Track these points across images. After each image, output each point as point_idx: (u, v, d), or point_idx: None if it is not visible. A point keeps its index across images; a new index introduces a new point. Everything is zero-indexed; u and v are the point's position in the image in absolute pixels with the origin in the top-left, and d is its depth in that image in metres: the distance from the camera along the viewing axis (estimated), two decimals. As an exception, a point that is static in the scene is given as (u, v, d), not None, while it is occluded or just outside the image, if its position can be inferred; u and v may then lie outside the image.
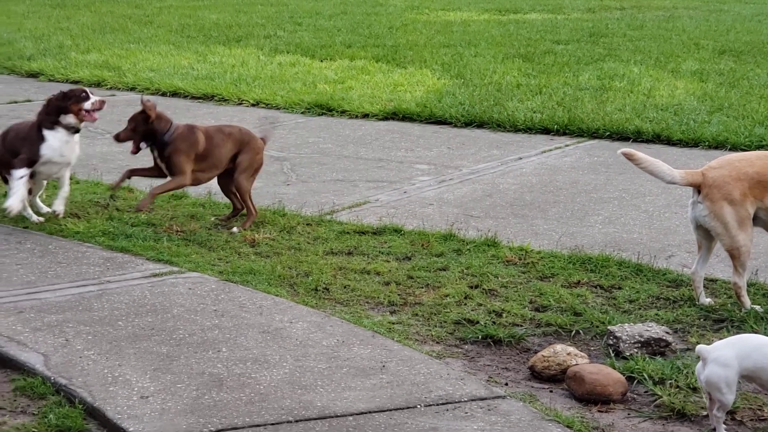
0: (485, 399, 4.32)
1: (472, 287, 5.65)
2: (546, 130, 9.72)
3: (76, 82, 12.49)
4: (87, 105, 6.58)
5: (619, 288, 5.68)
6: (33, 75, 13.09)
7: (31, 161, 6.43)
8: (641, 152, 5.45)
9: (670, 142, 9.19)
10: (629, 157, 5.38)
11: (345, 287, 5.64)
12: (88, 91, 6.71)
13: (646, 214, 7.13)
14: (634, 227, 6.83)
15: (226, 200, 7.21)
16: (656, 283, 5.73)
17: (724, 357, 4.05)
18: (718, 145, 8.97)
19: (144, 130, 6.63)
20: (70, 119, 6.56)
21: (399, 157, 8.83)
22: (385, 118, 10.45)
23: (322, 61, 13.83)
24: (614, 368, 4.59)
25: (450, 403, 4.26)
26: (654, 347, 4.83)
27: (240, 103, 11.31)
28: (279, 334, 4.88)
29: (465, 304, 5.42)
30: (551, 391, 4.54)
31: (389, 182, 7.97)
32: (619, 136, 9.43)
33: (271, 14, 19.41)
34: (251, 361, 4.57)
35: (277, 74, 12.71)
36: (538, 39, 15.71)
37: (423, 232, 6.58)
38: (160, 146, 6.65)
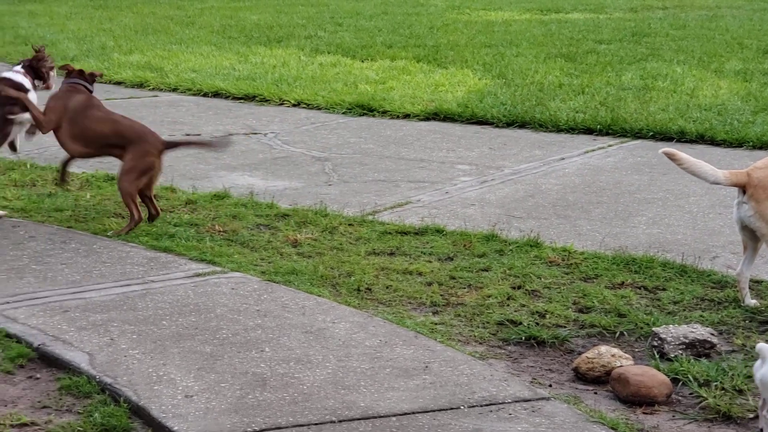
0: (529, 400, 4.30)
1: (514, 288, 5.63)
2: (589, 130, 9.67)
3: (119, 83, 12.61)
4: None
5: (664, 289, 5.63)
6: (77, 76, 13.19)
7: None
8: (684, 152, 5.40)
9: (713, 142, 9.11)
10: (671, 157, 5.34)
11: (387, 287, 5.63)
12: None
13: (690, 214, 7.07)
14: (678, 228, 6.77)
15: (268, 200, 7.24)
16: (701, 284, 5.68)
17: None
18: (763, 145, 8.89)
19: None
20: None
21: (440, 158, 8.81)
22: (426, 119, 10.44)
23: (363, 61, 13.84)
24: (659, 370, 4.56)
25: (494, 404, 4.24)
26: (699, 349, 4.79)
27: (281, 104, 11.34)
28: (322, 335, 4.88)
29: (508, 305, 5.40)
30: (595, 393, 4.51)
31: (431, 182, 7.96)
32: (663, 136, 9.36)
33: (311, 15, 19.46)
34: (294, 361, 4.58)
35: (318, 75, 12.74)
36: (580, 38, 15.64)
37: (465, 232, 6.57)
38: None
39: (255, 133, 9.82)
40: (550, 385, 4.57)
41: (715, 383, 4.48)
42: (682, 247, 6.30)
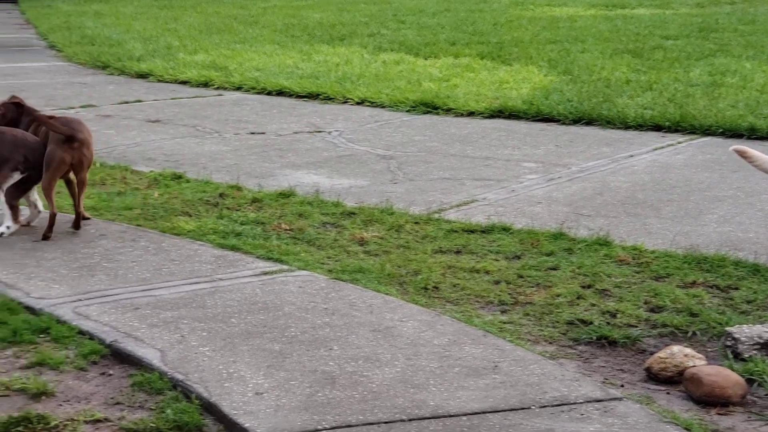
0: (601, 401, 4.24)
1: (584, 287, 5.57)
2: (657, 127, 9.57)
3: (184, 83, 12.71)
4: None
5: (736, 288, 5.54)
6: (142, 76, 13.33)
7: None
8: (755, 149, 5.31)
9: (785, 139, 8.97)
10: (742, 154, 5.26)
11: (455, 286, 5.60)
12: None
13: (762, 212, 6.95)
14: (750, 226, 6.66)
15: (334, 198, 7.25)
16: (775, 283, 5.58)
17: None
18: (836, 141, 8.73)
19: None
20: None
21: (506, 156, 8.76)
22: (491, 116, 10.39)
23: (426, 59, 13.82)
24: (733, 370, 4.48)
25: (565, 404, 4.20)
26: (774, 349, 4.70)
27: (345, 102, 11.36)
28: (390, 333, 4.87)
29: (577, 304, 5.34)
30: (668, 393, 4.44)
31: (496, 180, 7.92)
32: (733, 133, 9.22)
33: (374, 12, 19.48)
34: (363, 360, 4.57)
35: (382, 72, 12.74)
36: (646, 34, 15.47)
37: (532, 230, 6.52)
38: None
39: (319, 132, 9.84)
40: (622, 386, 4.51)
41: (792, 384, 4.39)
42: (755, 246, 6.19)
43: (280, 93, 11.96)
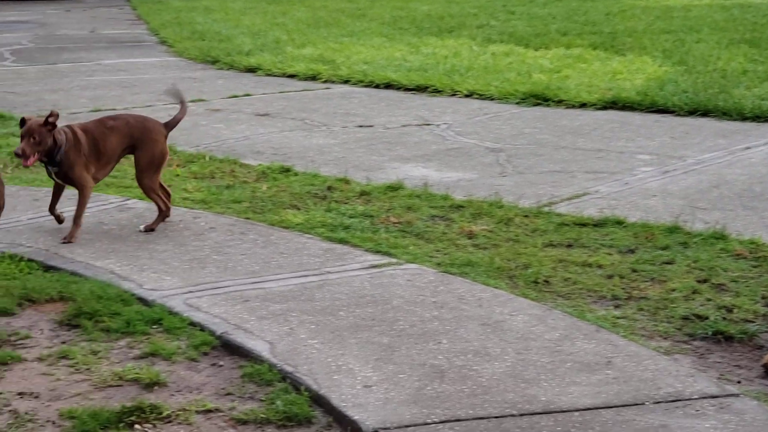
0: (717, 397, 4.12)
1: (700, 281, 5.42)
2: (775, 119, 9.30)
3: (291, 76, 12.79)
4: None
5: None
6: (251, 70, 13.44)
7: None
8: None
9: None
10: None
11: (566, 280, 5.51)
12: None
13: None
14: None
15: (442, 192, 7.20)
16: None
17: None
18: None
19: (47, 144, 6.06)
20: None
21: (619, 148, 8.60)
22: (604, 108, 10.22)
23: (536, 50, 13.67)
24: None
25: (680, 400, 4.08)
26: None
27: (453, 94, 11.29)
28: (499, 327, 4.81)
29: (693, 299, 5.20)
30: (788, 392, 4.30)
31: (609, 173, 7.77)
32: None
33: (483, 4, 19.35)
34: (472, 353, 4.52)
35: (491, 64, 12.64)
36: (764, 23, 15.07)
37: (646, 224, 6.37)
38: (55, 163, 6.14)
39: (428, 125, 9.79)
40: (739, 382, 4.37)
41: None
42: None
43: (388, 86, 11.94)
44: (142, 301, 5.19)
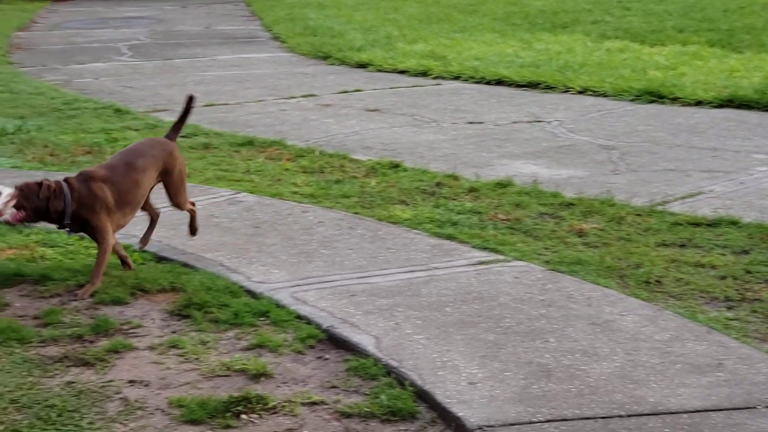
0: (835, 405, 3.99)
1: (818, 284, 5.26)
2: None
3: (402, 72, 12.79)
4: None
5: None
6: (362, 65, 13.48)
7: None
8: None
9: None
10: None
11: (678, 280, 5.39)
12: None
13: None
14: None
15: (552, 189, 7.12)
16: None
17: None
18: None
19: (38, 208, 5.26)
20: None
21: (735, 147, 8.39)
22: (720, 106, 9.99)
23: (652, 46, 13.44)
24: None
25: (795, 406, 3.97)
26: None
27: (566, 91, 11.16)
28: (608, 327, 4.73)
29: (810, 302, 5.05)
30: None
31: (724, 172, 7.58)
32: None
33: None
34: (580, 353, 4.45)
35: (605, 60, 12.46)
36: None
37: (762, 224, 6.20)
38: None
39: (539, 121, 9.70)
40: None
41: None
42: None
43: (499, 82, 11.86)
44: (250, 293, 5.24)
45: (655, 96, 10.45)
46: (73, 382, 4.33)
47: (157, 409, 4.12)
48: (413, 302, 5.05)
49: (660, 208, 6.67)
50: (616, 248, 5.90)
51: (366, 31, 16.27)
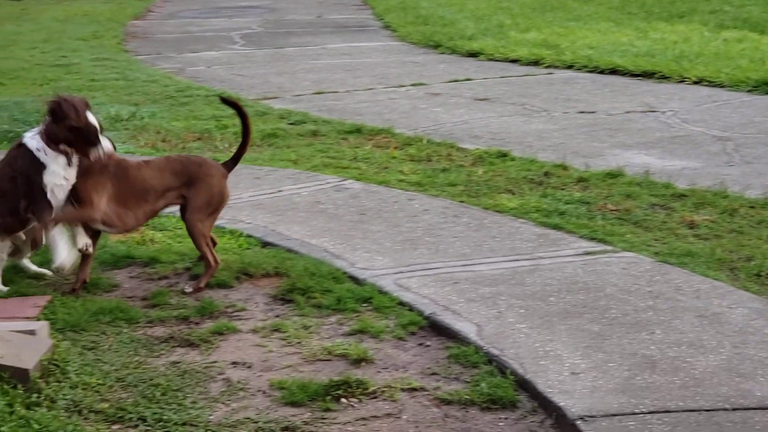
0: None
1: None
2: None
3: (514, 61, 12.68)
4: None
5: None
6: (473, 54, 13.39)
7: None
8: None
9: None
10: None
11: (791, 274, 5.24)
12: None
13: None
14: None
15: (664, 180, 6.98)
16: None
17: None
18: None
19: None
20: None
21: None
22: None
23: (771, 36, 13.08)
24: None
25: None
26: None
27: (681, 81, 10.93)
28: (716, 319, 4.62)
29: None
30: None
31: (844, 164, 7.34)
32: None
33: (718, -12, 18.65)
34: (686, 345, 4.36)
35: (722, 51, 12.16)
36: None
37: None
38: None
39: (652, 111, 9.51)
40: None
41: None
42: None
43: (613, 71, 11.66)
44: (353, 279, 5.26)
45: (773, 87, 10.17)
46: (178, 362, 4.40)
47: (258, 391, 4.17)
48: (517, 291, 5.01)
49: (774, 200, 6.49)
50: (727, 240, 5.76)
51: (478, 19, 16.18)
